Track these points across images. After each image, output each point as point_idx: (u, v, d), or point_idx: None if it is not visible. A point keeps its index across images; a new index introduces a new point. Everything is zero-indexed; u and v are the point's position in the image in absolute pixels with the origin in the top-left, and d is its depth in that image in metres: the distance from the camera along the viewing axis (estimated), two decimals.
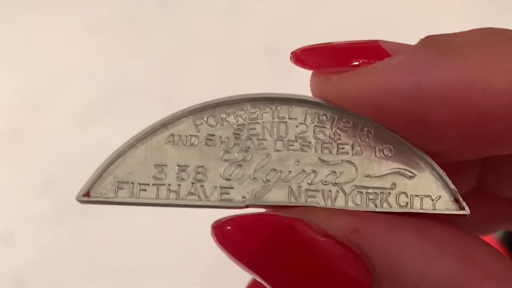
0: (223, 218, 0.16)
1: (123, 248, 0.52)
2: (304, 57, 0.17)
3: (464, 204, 0.16)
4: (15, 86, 0.59)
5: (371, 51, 0.16)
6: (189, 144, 0.16)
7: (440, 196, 0.16)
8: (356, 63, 0.16)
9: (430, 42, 0.16)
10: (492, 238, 0.44)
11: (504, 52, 0.15)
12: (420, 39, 0.16)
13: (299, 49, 0.17)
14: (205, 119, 0.17)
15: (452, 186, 0.16)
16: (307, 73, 0.17)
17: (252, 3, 0.61)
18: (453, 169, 0.17)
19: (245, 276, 0.17)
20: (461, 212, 0.16)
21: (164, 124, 0.17)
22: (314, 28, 0.60)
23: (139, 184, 0.16)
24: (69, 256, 0.52)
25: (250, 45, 0.60)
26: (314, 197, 0.16)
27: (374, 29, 0.58)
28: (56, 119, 0.57)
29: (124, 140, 0.17)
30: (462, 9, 0.60)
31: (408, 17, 0.60)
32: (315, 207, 0.16)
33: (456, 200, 0.16)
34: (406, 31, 0.58)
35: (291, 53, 0.17)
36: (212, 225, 0.16)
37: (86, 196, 0.16)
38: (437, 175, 0.17)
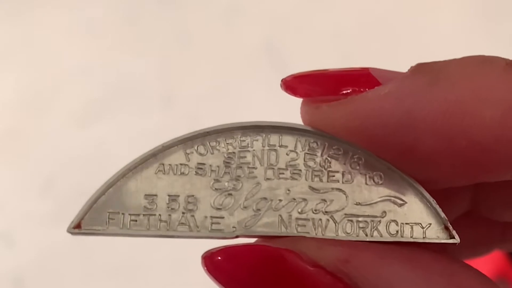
0: (213, 248, 0.16)
1: (122, 248, 0.52)
2: (294, 85, 0.17)
3: (454, 232, 0.16)
4: (15, 86, 0.59)
5: (362, 79, 0.16)
6: (179, 173, 0.16)
7: (430, 224, 0.16)
8: (347, 91, 0.16)
9: (421, 70, 0.16)
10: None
11: (494, 81, 0.15)
12: (411, 67, 0.16)
13: (289, 76, 0.17)
14: (196, 147, 0.17)
15: (442, 214, 0.16)
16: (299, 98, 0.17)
17: (252, 3, 0.61)
18: (444, 193, 0.17)
19: None
20: (451, 241, 0.16)
21: (154, 154, 0.17)
22: (314, 28, 0.60)
23: (129, 214, 0.16)
24: (69, 256, 0.52)
25: (250, 45, 0.60)
26: (305, 226, 0.16)
27: (374, 29, 0.58)
28: (56, 119, 0.57)
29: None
30: (462, 10, 0.59)
31: (408, 17, 0.59)
32: (305, 237, 0.16)
33: (446, 228, 0.16)
34: (406, 31, 0.58)
35: (282, 81, 0.17)
36: (202, 256, 0.16)
37: (77, 228, 0.16)
38: (427, 203, 0.17)
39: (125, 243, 0.52)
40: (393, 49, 0.55)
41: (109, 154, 0.52)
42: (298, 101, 0.18)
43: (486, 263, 0.43)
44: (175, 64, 0.59)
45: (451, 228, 0.16)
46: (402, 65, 0.17)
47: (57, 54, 0.60)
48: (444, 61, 0.16)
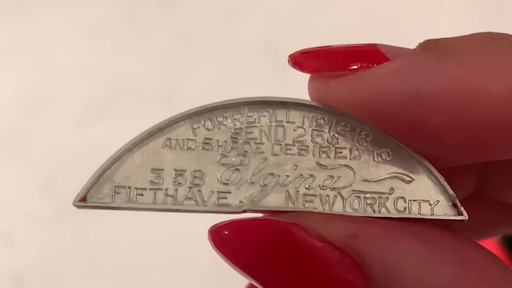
0: (220, 222, 0.16)
1: (122, 248, 0.52)
2: (301, 60, 0.17)
3: (462, 209, 0.16)
4: (15, 86, 0.59)
5: (370, 55, 0.16)
6: (186, 148, 0.16)
7: (438, 201, 0.16)
8: (355, 67, 0.16)
9: (429, 47, 0.16)
10: (492, 240, 0.44)
11: (504, 58, 0.15)
12: (419, 43, 0.16)
13: (297, 52, 0.17)
14: (202, 122, 0.17)
15: (450, 191, 0.16)
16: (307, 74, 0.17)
17: (252, 3, 0.61)
18: (451, 173, 0.17)
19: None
20: (459, 218, 0.16)
21: (161, 128, 0.16)
22: (314, 27, 0.60)
23: (136, 188, 0.16)
24: (69, 256, 0.52)
25: (250, 45, 0.60)
26: (312, 202, 0.16)
27: (374, 29, 0.58)
28: (56, 119, 0.57)
29: (124, 140, 0.17)
30: (462, 9, 0.60)
31: (408, 16, 0.59)
32: (312, 212, 0.16)
33: (454, 205, 0.16)
34: (406, 31, 0.58)
35: (289, 56, 0.17)
36: (209, 230, 0.16)
37: (83, 201, 0.16)
38: (435, 180, 0.16)
39: (125, 243, 0.52)
40: None
41: (109, 154, 0.51)
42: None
43: None
44: (175, 64, 0.59)
45: (459, 205, 0.16)
46: None
47: (57, 54, 0.60)
48: (453, 38, 0.16)
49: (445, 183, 0.16)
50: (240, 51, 0.60)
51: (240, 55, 0.59)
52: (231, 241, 0.15)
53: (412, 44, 0.17)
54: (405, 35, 0.59)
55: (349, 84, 0.16)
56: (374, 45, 0.16)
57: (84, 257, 0.52)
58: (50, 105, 0.57)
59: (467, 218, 0.16)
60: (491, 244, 0.44)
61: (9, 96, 0.58)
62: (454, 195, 0.16)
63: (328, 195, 0.16)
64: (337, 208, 0.16)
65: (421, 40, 0.17)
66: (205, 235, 0.16)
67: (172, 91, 0.58)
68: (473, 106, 0.15)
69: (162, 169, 0.16)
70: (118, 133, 0.54)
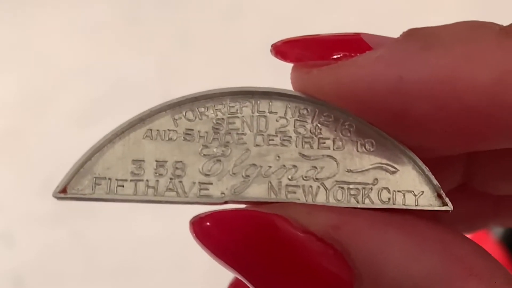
0: (202, 213, 0.15)
1: (122, 248, 0.52)
2: (284, 49, 0.17)
3: (447, 200, 0.16)
4: (15, 86, 0.59)
5: (353, 44, 0.16)
6: (167, 139, 0.16)
7: (423, 192, 0.16)
8: (337, 56, 0.16)
9: (413, 35, 0.16)
10: (492, 238, 0.44)
11: (488, 45, 0.15)
12: (403, 32, 0.16)
13: (280, 41, 0.17)
14: (184, 113, 0.16)
15: (435, 182, 0.16)
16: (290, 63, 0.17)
17: (252, 3, 0.61)
18: (437, 165, 0.17)
19: None
20: (444, 208, 0.16)
21: (142, 119, 0.16)
22: (314, 28, 0.60)
23: (116, 180, 0.16)
24: (69, 256, 0.52)
25: (250, 45, 0.59)
26: (295, 192, 0.16)
27: (374, 29, 0.58)
28: (56, 118, 0.57)
29: None
30: (461, 9, 0.59)
31: (408, 17, 0.59)
32: (295, 203, 0.16)
33: (439, 196, 0.16)
34: None
35: (272, 46, 0.17)
36: (190, 221, 0.16)
37: (63, 193, 0.16)
38: (420, 170, 0.16)
39: (125, 243, 0.52)
40: None
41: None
42: None
43: None
44: (175, 64, 0.59)
45: (444, 195, 0.16)
46: None
47: (57, 54, 0.60)
48: (437, 26, 0.16)
49: (429, 174, 0.16)
50: (240, 51, 0.59)
51: (240, 55, 0.59)
52: (212, 233, 0.15)
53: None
54: None
55: (332, 73, 0.16)
56: (358, 34, 0.16)
57: (84, 257, 0.52)
58: (50, 105, 0.57)
59: (452, 209, 0.16)
60: (490, 244, 0.43)
61: (9, 96, 0.58)
62: (439, 185, 0.16)
63: (311, 186, 0.16)
64: (320, 199, 0.16)
65: None
66: None
67: (172, 91, 0.58)
68: (457, 94, 0.15)
69: (143, 160, 0.16)
70: None
